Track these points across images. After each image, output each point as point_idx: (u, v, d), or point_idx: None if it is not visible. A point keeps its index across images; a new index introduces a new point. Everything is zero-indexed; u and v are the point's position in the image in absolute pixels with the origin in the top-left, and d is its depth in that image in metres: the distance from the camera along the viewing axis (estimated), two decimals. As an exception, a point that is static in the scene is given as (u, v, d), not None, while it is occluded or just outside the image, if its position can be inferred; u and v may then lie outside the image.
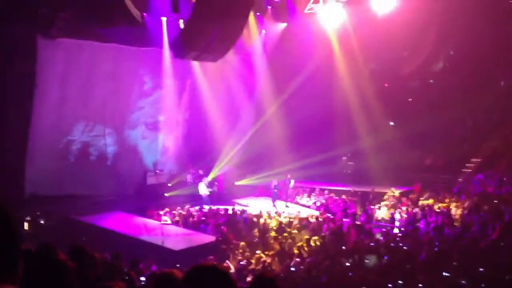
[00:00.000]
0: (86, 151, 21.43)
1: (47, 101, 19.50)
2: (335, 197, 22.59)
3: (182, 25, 19.43)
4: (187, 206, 20.74)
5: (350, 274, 12.67)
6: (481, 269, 11.98)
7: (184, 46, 18.13)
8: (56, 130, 20.36)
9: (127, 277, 5.51)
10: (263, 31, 25.70)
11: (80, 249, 4.40)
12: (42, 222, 17.90)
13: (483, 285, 10.81)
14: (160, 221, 18.60)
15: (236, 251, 15.52)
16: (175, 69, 23.15)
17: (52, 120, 20.00)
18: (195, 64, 23.47)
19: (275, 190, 23.00)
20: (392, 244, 15.24)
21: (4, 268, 1.58)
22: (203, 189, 22.46)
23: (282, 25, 26.02)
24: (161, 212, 19.99)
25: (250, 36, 24.83)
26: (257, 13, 24.10)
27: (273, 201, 22.83)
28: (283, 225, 18.36)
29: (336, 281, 11.81)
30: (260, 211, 20.19)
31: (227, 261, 14.53)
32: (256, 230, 18.24)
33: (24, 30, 17.83)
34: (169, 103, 23.91)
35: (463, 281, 11.11)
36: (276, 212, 20.29)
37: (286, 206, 22.34)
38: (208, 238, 17.25)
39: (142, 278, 8.70)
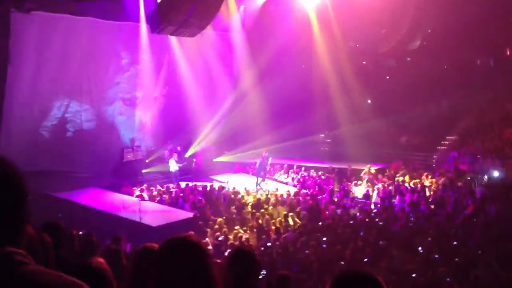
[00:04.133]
0: (62, 127, 21.12)
1: (21, 76, 19.06)
2: (313, 174, 22.77)
3: (159, -1, 19.13)
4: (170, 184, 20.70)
5: (324, 246, 12.84)
6: (454, 243, 12.25)
7: (161, 21, 17.81)
8: (31, 106, 19.98)
9: (112, 253, 5.50)
10: (242, 6, 25.46)
11: (56, 225, 4.39)
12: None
13: (456, 259, 11.06)
14: (137, 198, 18.55)
15: (214, 227, 15.60)
16: (152, 44, 22.86)
17: (27, 96, 19.61)
18: (173, 39, 23.20)
19: (257, 165, 22.96)
20: (367, 220, 15.48)
21: (11, 229, 1.54)
22: (173, 165, 22.43)
23: (260, 1, 25.80)
24: (138, 189, 19.95)
25: (228, 12, 24.61)
26: (236, -12, 23.89)
27: (262, 177, 22.73)
28: (260, 202, 18.47)
29: (313, 257, 11.96)
30: (236, 188, 20.26)
31: (206, 238, 14.61)
32: (234, 207, 18.32)
33: (-4, 3, 17.40)
34: (146, 78, 23.64)
35: (436, 256, 11.34)
36: (254, 189, 20.38)
37: (265, 183, 22.43)
38: (186, 214, 17.27)
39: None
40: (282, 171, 24.20)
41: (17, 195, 1.56)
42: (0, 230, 1.51)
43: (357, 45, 28.11)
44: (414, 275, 10.00)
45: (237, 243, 13.86)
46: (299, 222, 16.38)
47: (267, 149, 23.77)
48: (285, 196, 19.35)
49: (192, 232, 12.91)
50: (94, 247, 6.03)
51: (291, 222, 16.33)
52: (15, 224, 1.55)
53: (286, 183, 22.80)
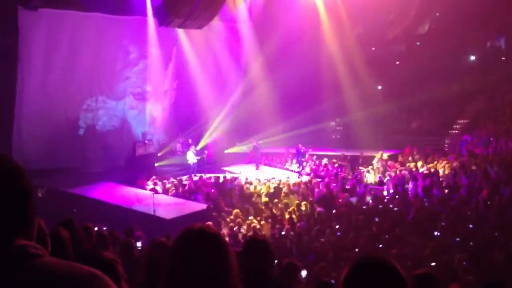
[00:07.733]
0: (73, 123, 21.25)
1: (31, 74, 19.18)
2: (325, 162, 22.71)
3: (165, -8, 19.11)
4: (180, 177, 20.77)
5: (339, 233, 12.85)
6: (470, 226, 12.19)
7: (168, 14, 17.85)
8: (42, 104, 20.08)
9: (124, 246, 5.56)
10: (248, -4, 25.36)
11: (70, 222, 4.47)
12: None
13: (471, 243, 11.00)
14: (150, 191, 18.61)
15: (228, 218, 15.62)
16: (160, 38, 22.83)
17: (37, 94, 19.71)
18: (180, 32, 23.17)
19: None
20: (381, 206, 15.43)
21: (20, 223, 1.55)
22: (191, 157, 22.46)
23: (266, -10, 25.69)
24: (151, 182, 20.01)
25: (234, 2, 24.51)
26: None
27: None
28: (273, 191, 18.45)
29: (327, 245, 11.95)
30: (248, 178, 20.25)
31: (223, 230, 14.64)
32: (247, 197, 18.33)
33: (3, 1, 17.45)
34: (155, 72, 23.66)
35: (451, 240, 11.28)
36: (266, 179, 20.37)
37: (256, 170, 22.67)
38: (200, 206, 17.31)
39: (138, 244, 8.80)
40: (294, 160, 24.16)
41: (22, 189, 1.57)
42: (8, 224, 1.51)
43: (365, 31, 27.89)
44: (429, 261, 9.95)
45: (251, 233, 13.88)
46: (312, 211, 16.34)
47: (256, 138, 23.91)
48: (297, 185, 19.32)
49: (210, 223, 12.99)
50: (106, 241, 6.08)
51: (304, 211, 16.30)
52: (22, 218, 1.56)
53: (299, 172, 22.77)
